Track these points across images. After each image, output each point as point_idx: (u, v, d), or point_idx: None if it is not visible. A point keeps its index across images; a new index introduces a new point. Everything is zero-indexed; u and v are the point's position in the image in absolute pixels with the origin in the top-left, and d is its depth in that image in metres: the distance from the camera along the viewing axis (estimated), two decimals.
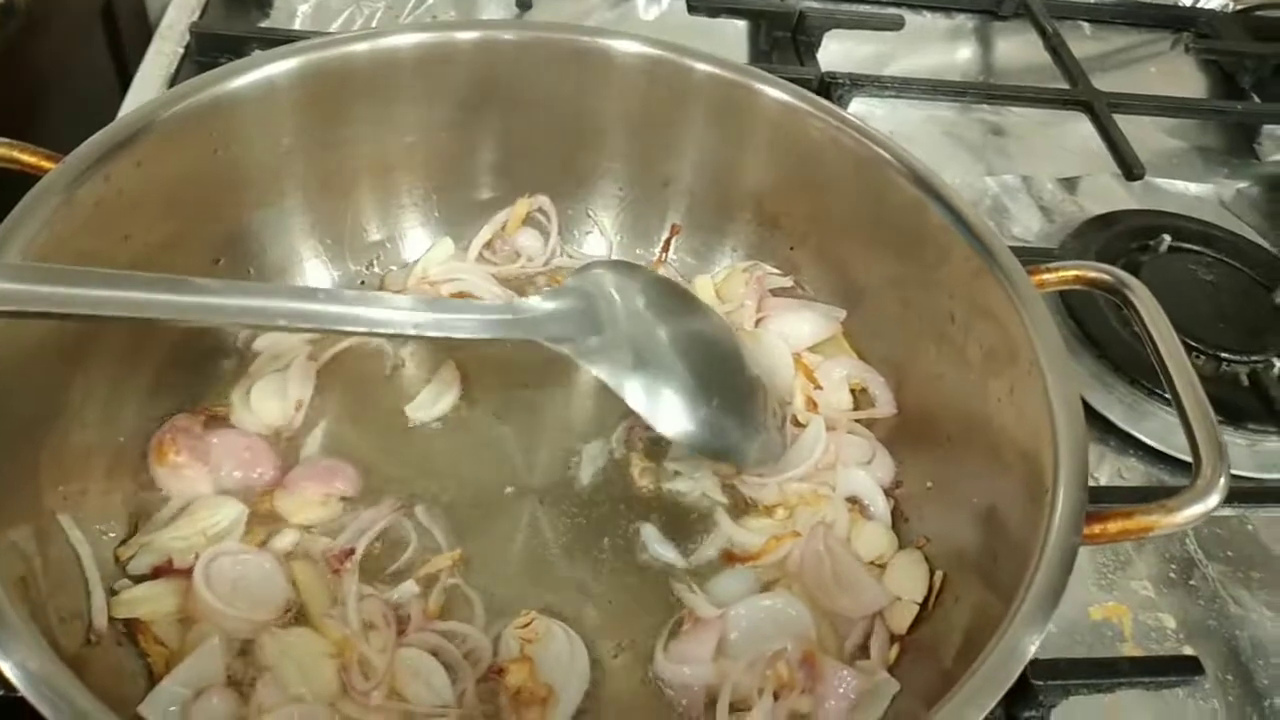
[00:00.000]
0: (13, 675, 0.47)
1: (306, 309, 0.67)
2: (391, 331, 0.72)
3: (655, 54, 0.87)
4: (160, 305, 0.62)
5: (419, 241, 0.94)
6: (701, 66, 0.87)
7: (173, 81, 1.11)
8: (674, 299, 0.85)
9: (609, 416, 0.86)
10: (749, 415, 0.80)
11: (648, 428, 0.82)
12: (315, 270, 0.90)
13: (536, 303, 0.78)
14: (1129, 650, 0.83)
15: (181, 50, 1.15)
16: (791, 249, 0.94)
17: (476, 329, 0.74)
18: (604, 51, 0.87)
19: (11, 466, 0.61)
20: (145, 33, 1.44)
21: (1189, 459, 0.66)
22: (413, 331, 0.71)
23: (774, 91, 0.86)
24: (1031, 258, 0.78)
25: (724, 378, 0.81)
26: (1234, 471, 0.95)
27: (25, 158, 0.69)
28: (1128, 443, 0.98)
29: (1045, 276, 0.77)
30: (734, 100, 0.88)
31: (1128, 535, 0.63)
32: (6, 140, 0.69)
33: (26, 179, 0.68)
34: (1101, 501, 0.64)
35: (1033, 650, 0.57)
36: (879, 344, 0.90)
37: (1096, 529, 0.63)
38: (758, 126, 0.88)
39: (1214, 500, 0.64)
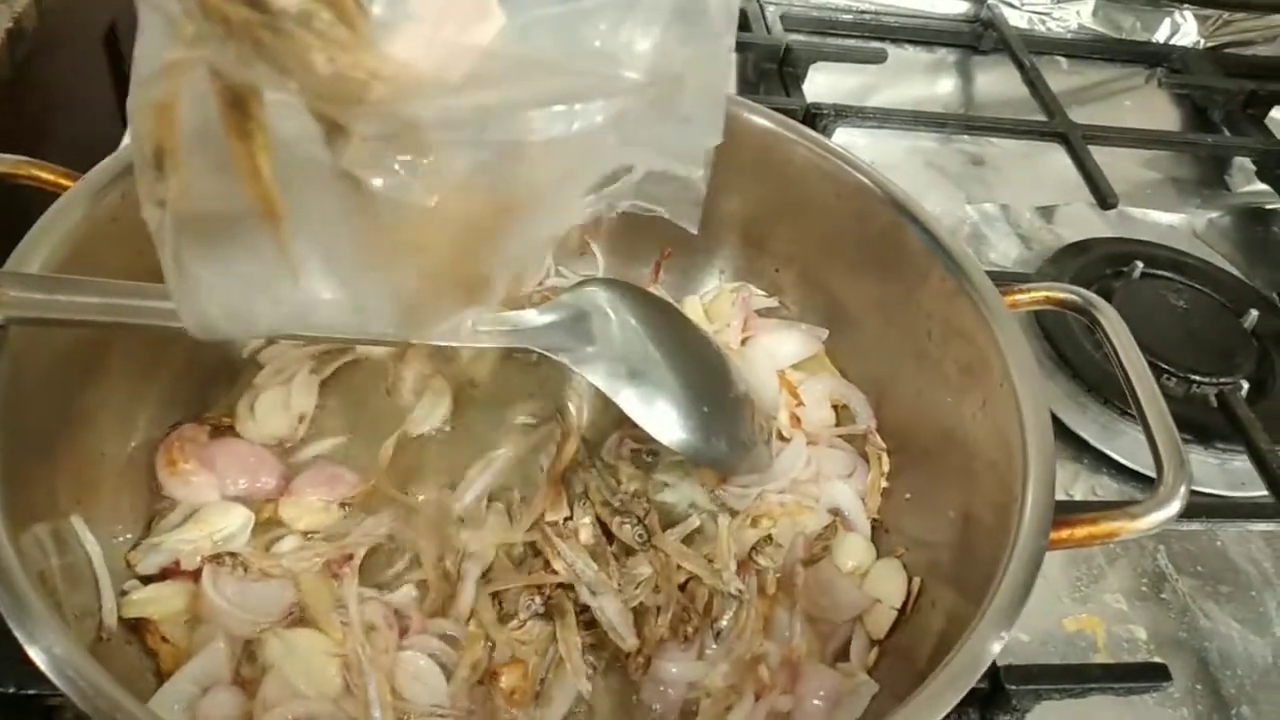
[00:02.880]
0: (39, 660, 0.49)
1: None
2: (399, 339, 0.75)
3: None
4: (168, 312, 0.65)
5: None
6: None
7: None
8: (664, 316, 0.87)
9: (599, 429, 0.87)
10: (737, 427, 0.82)
11: (637, 440, 0.86)
12: None
13: (533, 315, 0.80)
14: (1101, 661, 0.85)
15: None
16: (777, 271, 0.96)
17: (477, 337, 0.77)
18: None
19: (33, 468, 0.63)
20: None
21: None
22: (417, 339, 0.74)
23: (758, 119, 0.89)
24: (1007, 281, 0.82)
25: (713, 391, 0.83)
26: (1204, 489, 1.00)
27: (45, 175, 0.71)
28: (1101, 461, 1.00)
29: (1018, 297, 0.80)
30: None
31: (1094, 540, 0.66)
32: (27, 159, 0.71)
33: (36, 196, 0.70)
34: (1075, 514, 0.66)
35: (999, 646, 0.59)
36: (860, 362, 0.92)
37: (1064, 533, 0.65)
38: (743, 153, 0.89)
39: (1175, 507, 0.66)
